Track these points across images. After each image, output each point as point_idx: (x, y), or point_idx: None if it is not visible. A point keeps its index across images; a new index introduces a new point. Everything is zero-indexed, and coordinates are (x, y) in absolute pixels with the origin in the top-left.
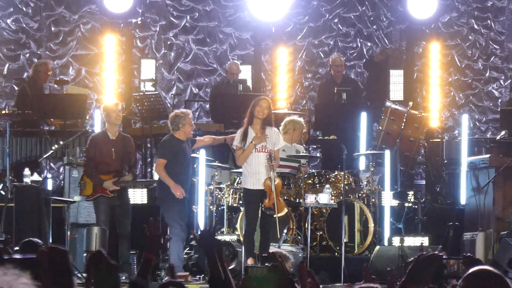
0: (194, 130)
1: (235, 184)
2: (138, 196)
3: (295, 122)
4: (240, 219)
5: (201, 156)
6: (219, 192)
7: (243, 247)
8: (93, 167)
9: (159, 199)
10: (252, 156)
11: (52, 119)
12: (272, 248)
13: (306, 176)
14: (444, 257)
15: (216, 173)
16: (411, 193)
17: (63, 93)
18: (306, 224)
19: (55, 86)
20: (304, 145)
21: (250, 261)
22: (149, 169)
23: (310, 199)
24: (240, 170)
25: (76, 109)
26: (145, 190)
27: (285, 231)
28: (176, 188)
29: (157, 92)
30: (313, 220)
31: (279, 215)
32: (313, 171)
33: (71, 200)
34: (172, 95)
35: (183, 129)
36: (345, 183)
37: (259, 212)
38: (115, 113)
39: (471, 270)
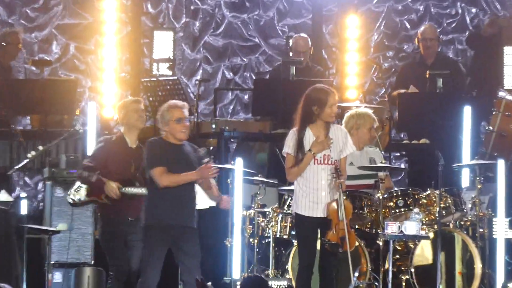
0: (228, 130)
1: (286, 208)
2: None
3: (358, 116)
4: (293, 256)
5: (237, 167)
6: (263, 219)
7: None
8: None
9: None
10: (309, 170)
11: (28, 115)
12: None
13: (386, 196)
14: None
15: (258, 192)
16: None
17: (43, 78)
18: (386, 265)
19: (33, 68)
20: (382, 151)
21: None
22: None
23: (391, 229)
24: (292, 187)
25: (62, 101)
26: None
27: (355, 275)
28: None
29: (176, 77)
30: (397, 259)
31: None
32: (396, 189)
33: (54, 229)
34: (196, 82)
35: (168, 129)
36: (441, 206)
37: (318, 247)
38: (137, 114)
39: None
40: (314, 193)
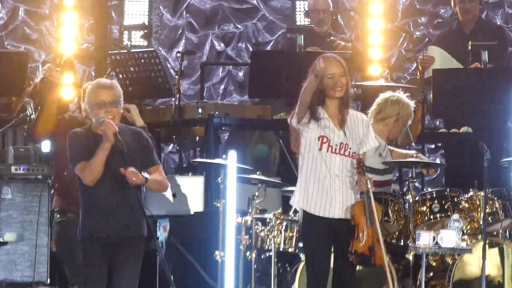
0: (218, 116)
1: (291, 213)
2: None
3: (400, 105)
4: (300, 274)
5: (230, 162)
6: (263, 228)
7: None
8: None
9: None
10: (324, 160)
11: None
12: None
13: (418, 199)
14: None
15: (256, 194)
16: None
17: None
18: (418, 283)
19: None
20: (413, 143)
21: None
22: None
23: (424, 239)
24: None
25: (9, 80)
26: None
27: None
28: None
29: (152, 49)
30: (431, 277)
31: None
32: (431, 190)
33: (0, 240)
34: (178, 54)
35: (91, 115)
36: (487, 211)
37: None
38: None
39: None
40: (326, 187)
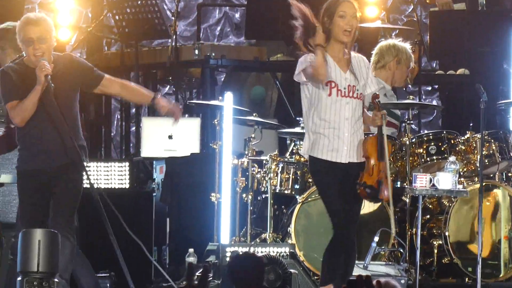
0: (215, 58)
1: (288, 155)
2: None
3: (399, 50)
4: (296, 216)
5: (226, 104)
6: (259, 170)
7: (301, 265)
8: None
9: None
10: (329, 103)
11: None
12: (359, 270)
13: (414, 141)
14: None
15: (253, 135)
16: None
17: None
18: (415, 228)
19: None
20: (410, 86)
21: None
22: (133, 128)
23: (421, 181)
24: (297, 129)
25: (5, 19)
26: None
27: (375, 239)
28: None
29: None
30: (428, 219)
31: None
32: (427, 132)
33: None
34: None
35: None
36: (483, 153)
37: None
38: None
39: None
40: (335, 133)
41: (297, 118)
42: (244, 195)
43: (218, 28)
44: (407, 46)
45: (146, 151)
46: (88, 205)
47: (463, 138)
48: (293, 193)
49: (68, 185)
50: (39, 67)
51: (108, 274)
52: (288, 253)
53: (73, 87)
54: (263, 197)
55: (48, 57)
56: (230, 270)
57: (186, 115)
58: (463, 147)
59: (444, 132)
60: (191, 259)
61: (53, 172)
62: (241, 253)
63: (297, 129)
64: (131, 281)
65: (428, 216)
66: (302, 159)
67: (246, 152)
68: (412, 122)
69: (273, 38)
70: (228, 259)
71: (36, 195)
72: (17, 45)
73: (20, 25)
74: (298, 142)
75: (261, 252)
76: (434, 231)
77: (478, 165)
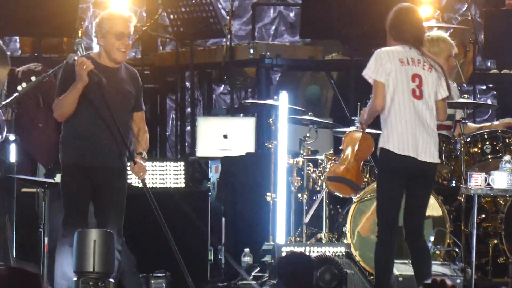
0: (270, 57)
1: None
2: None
3: (431, 42)
4: (352, 216)
5: (282, 103)
6: (314, 169)
7: (358, 268)
8: None
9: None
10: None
11: (16, 36)
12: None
13: (469, 140)
14: None
15: (308, 135)
16: None
17: None
18: (469, 226)
19: None
20: (465, 84)
21: None
22: (188, 127)
23: (476, 181)
24: (352, 128)
25: (60, 20)
26: (180, 165)
27: (431, 239)
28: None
29: None
30: (483, 219)
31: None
32: (482, 131)
33: (51, 181)
34: None
35: (103, 43)
36: None
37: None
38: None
39: None
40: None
41: (352, 118)
42: (299, 195)
43: (273, 27)
44: (443, 34)
45: (202, 151)
46: (141, 206)
47: None
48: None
49: (118, 193)
50: (79, 64)
51: (163, 274)
52: (343, 253)
53: (129, 100)
54: (319, 196)
55: (127, 54)
56: (279, 270)
57: (242, 114)
58: None
59: (499, 131)
60: (247, 258)
61: (102, 171)
62: (289, 252)
63: (353, 128)
64: (190, 280)
65: (483, 216)
66: None
67: (301, 152)
68: (467, 121)
69: (328, 37)
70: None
71: (82, 189)
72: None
73: (110, 15)
74: None
75: (317, 251)
76: (490, 231)
77: None
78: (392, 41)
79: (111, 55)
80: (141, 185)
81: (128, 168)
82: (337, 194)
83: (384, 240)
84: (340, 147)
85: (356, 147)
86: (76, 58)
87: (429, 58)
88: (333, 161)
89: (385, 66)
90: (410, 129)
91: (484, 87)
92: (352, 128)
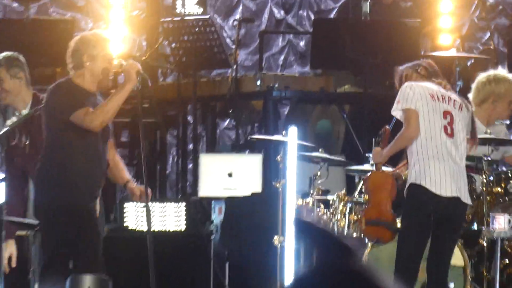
0: (278, 89)
1: (356, 195)
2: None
3: (498, 82)
4: (366, 261)
5: (291, 139)
6: (325, 210)
7: None
8: None
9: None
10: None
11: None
12: None
13: (492, 179)
14: None
15: (319, 173)
16: None
17: (29, 18)
18: (492, 272)
19: (15, 4)
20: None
21: None
22: (190, 165)
23: (499, 223)
24: (366, 167)
25: (54, 49)
26: (180, 206)
27: (451, 285)
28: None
29: (207, 17)
30: (507, 264)
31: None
32: (506, 169)
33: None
34: (236, 22)
35: (91, 67)
36: None
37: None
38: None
39: None
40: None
41: (366, 154)
42: None
43: (282, 57)
44: (506, 74)
45: (204, 190)
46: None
47: None
48: (362, 236)
49: (99, 231)
50: (129, 64)
51: None
52: None
53: (108, 127)
54: None
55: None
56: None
57: (247, 151)
58: None
59: None
60: None
61: (87, 209)
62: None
63: (366, 166)
64: None
65: (507, 261)
66: None
67: (312, 191)
68: (490, 158)
69: (340, 67)
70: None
71: (72, 233)
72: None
73: (102, 38)
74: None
75: None
76: None
77: None
78: (419, 76)
79: (99, 80)
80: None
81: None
82: (377, 241)
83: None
84: (362, 191)
85: (384, 187)
86: (123, 61)
87: (458, 97)
88: (362, 206)
89: (416, 96)
90: (448, 168)
91: (508, 122)
92: (367, 166)
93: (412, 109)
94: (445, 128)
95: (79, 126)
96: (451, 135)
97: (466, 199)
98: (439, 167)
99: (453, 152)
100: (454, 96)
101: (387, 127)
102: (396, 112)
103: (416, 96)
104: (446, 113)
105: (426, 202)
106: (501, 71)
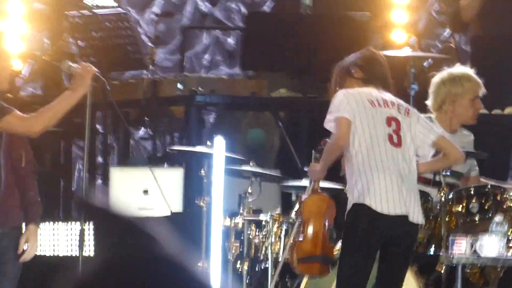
0: (203, 93)
1: (293, 215)
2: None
3: (453, 82)
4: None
5: (217, 150)
6: (257, 233)
7: None
8: None
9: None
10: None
11: None
12: None
13: (451, 197)
14: None
15: (250, 190)
16: None
17: None
18: None
19: None
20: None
21: None
22: (99, 181)
23: (460, 247)
24: (303, 182)
25: None
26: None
27: None
28: None
29: (121, 10)
30: None
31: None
32: (468, 186)
33: None
34: (153, 16)
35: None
36: None
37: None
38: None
39: None
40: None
41: (305, 169)
42: (238, 264)
43: (207, 57)
44: (464, 70)
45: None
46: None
47: None
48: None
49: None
50: (83, 67)
51: None
52: None
53: None
54: (263, 266)
55: None
56: None
57: (166, 165)
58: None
59: (489, 186)
60: None
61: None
62: None
63: (304, 182)
64: None
65: None
66: None
67: (241, 211)
68: (448, 173)
69: (276, 69)
70: None
71: None
72: None
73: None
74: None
75: None
76: None
77: None
78: (356, 82)
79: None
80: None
81: None
82: (313, 276)
83: None
84: (295, 216)
85: (320, 214)
86: (71, 63)
87: (402, 102)
88: (296, 240)
89: (351, 104)
90: (395, 182)
91: (466, 133)
92: (305, 182)
93: (345, 117)
94: (390, 137)
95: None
96: (398, 144)
97: (417, 217)
98: (384, 181)
99: (400, 163)
100: (397, 100)
101: (328, 139)
102: (329, 124)
103: (351, 104)
104: (390, 120)
105: (370, 223)
106: (458, 68)
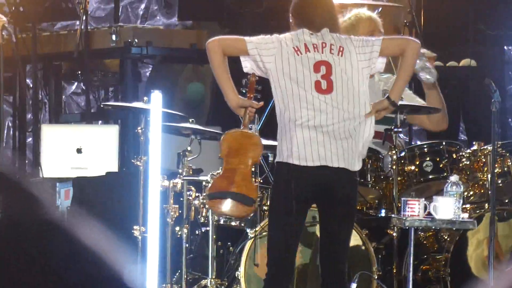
0: (138, 45)
1: None
2: None
3: (351, 25)
4: (247, 256)
5: (154, 106)
6: (197, 194)
7: None
8: None
9: None
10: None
11: None
12: None
13: (404, 154)
14: None
15: (189, 149)
16: None
17: None
18: (404, 270)
19: None
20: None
21: None
22: (29, 139)
23: (413, 209)
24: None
25: None
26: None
27: (353, 286)
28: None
29: None
30: (422, 260)
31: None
32: (421, 143)
33: None
34: None
35: None
36: (496, 171)
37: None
38: None
39: None
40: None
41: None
42: (177, 228)
43: (143, 6)
44: (357, 11)
45: (47, 170)
46: None
47: (468, 151)
48: (243, 225)
49: None
50: None
51: None
52: None
53: None
54: (203, 230)
55: None
56: None
57: (100, 122)
58: (468, 163)
59: (444, 143)
60: None
61: None
62: None
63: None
64: None
65: (425, 256)
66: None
67: (180, 171)
68: (400, 129)
69: (215, 18)
70: None
71: None
72: None
73: None
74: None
75: None
76: (431, 275)
77: (488, 186)
78: (295, 27)
79: None
80: None
81: None
82: (224, 216)
83: (270, 280)
84: (219, 155)
85: (243, 151)
86: None
87: (339, 39)
88: (215, 175)
89: (268, 48)
90: (320, 131)
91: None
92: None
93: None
94: (318, 84)
95: None
96: (327, 90)
97: (342, 162)
98: (308, 133)
99: (328, 111)
100: (335, 39)
101: (254, 73)
102: (245, 64)
103: (267, 46)
104: (318, 65)
105: (292, 180)
106: (353, 11)
